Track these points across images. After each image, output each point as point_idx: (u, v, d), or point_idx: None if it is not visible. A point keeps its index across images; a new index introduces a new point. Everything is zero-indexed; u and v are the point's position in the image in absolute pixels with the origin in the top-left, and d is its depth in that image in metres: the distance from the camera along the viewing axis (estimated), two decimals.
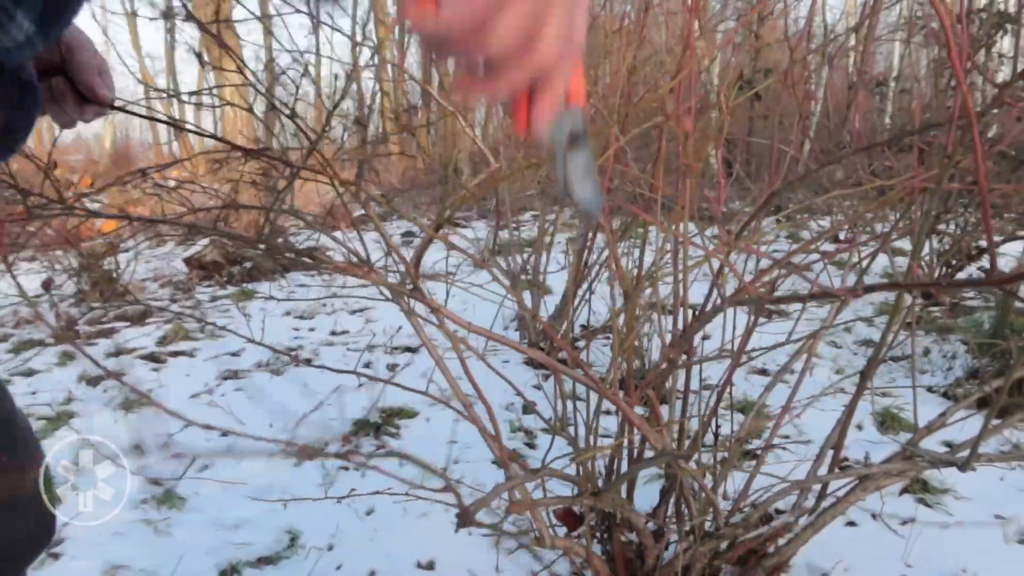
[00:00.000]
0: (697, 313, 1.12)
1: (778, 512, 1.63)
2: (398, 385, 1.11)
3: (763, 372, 2.73)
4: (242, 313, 3.66)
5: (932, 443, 1.59)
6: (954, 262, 3.68)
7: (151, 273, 4.90)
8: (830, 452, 1.28)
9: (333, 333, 3.53)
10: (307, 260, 1.01)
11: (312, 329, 3.59)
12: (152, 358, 3.11)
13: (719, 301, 1.01)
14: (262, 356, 3.05)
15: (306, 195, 6.04)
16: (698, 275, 1.69)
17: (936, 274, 3.73)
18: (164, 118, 0.89)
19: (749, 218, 1.12)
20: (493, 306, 2.93)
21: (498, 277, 0.93)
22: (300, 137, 1.21)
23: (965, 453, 1.02)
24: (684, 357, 1.24)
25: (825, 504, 1.25)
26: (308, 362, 3.12)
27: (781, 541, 1.29)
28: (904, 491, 1.79)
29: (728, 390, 1.37)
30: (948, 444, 1.92)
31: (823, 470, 1.27)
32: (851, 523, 1.66)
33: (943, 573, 1.47)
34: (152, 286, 4.59)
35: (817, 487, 1.28)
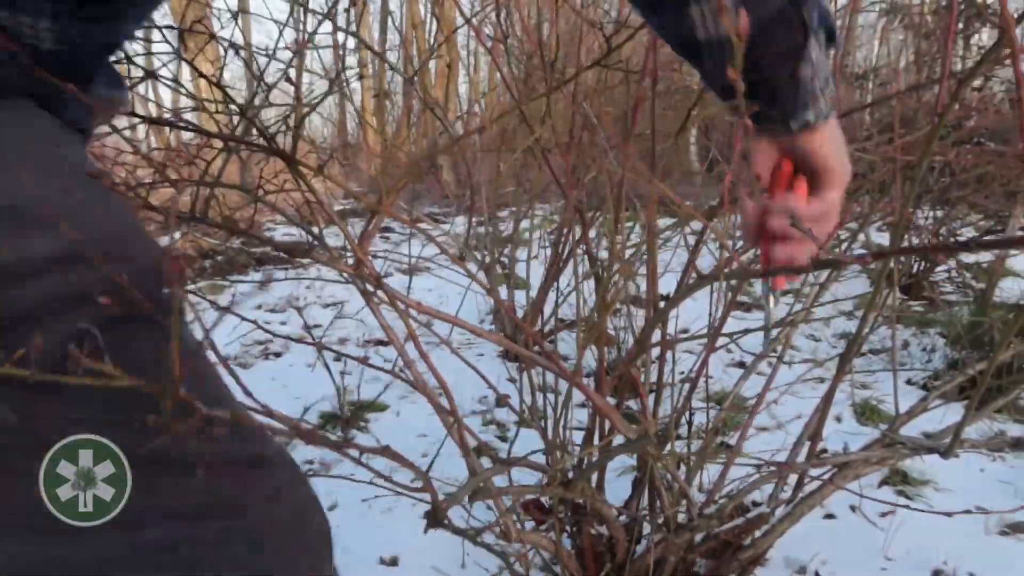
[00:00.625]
0: (671, 295, 1.06)
1: (754, 504, 1.58)
2: (363, 362, 1.04)
3: (741, 365, 2.69)
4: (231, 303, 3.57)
5: (911, 434, 1.56)
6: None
7: None
8: (808, 442, 1.23)
9: (305, 327, 3.45)
10: (257, 238, 0.94)
11: (283, 323, 3.51)
12: None
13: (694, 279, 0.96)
14: (230, 350, 2.97)
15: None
16: (671, 262, 1.64)
17: (915, 268, 3.72)
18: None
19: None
20: (470, 299, 2.87)
21: (468, 270, 0.87)
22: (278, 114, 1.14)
23: (947, 440, 0.98)
24: (658, 339, 1.19)
25: (802, 494, 1.20)
26: (278, 355, 3.04)
27: (757, 533, 1.24)
28: (884, 482, 1.75)
29: (703, 380, 1.32)
30: (927, 435, 1.88)
31: (801, 459, 1.22)
32: (830, 515, 1.62)
33: (923, 565, 1.43)
34: None
35: (794, 477, 1.23)
